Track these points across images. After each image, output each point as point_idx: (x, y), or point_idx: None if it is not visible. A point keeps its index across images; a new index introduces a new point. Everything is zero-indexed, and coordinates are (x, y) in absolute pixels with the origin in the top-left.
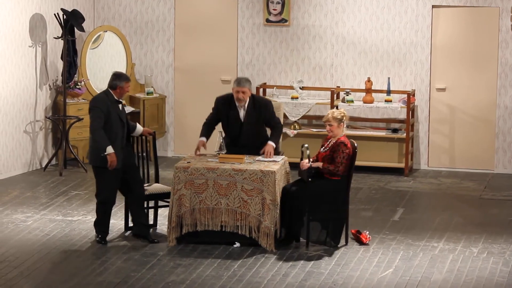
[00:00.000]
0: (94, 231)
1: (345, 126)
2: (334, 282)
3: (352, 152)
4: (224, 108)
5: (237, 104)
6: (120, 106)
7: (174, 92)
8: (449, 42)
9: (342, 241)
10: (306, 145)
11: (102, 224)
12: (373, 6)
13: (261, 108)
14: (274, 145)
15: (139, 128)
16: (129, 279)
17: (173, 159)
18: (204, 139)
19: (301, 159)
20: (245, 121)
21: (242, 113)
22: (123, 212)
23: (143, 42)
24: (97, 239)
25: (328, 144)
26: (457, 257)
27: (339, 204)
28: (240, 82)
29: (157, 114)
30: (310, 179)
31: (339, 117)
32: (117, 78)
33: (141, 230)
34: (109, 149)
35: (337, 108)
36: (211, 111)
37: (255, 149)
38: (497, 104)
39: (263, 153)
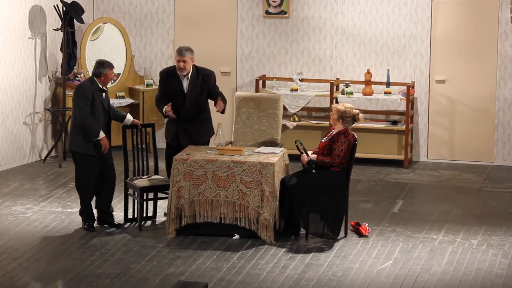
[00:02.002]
0: (81, 219)
1: (345, 125)
2: (333, 274)
3: (352, 143)
4: (168, 80)
5: (179, 74)
6: (103, 94)
7: None
8: (449, 34)
9: (342, 233)
10: (299, 140)
11: (86, 212)
12: None
13: (204, 77)
14: (224, 103)
15: (129, 118)
16: (129, 271)
17: None
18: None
19: (301, 154)
20: (188, 92)
21: (185, 84)
22: (123, 204)
23: (142, 34)
24: (85, 227)
25: (330, 134)
26: (456, 249)
27: (339, 196)
28: (181, 51)
29: None
30: (314, 171)
31: (341, 110)
32: (101, 66)
33: (105, 218)
34: (101, 134)
35: (336, 101)
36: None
37: (197, 124)
38: (496, 96)
39: (218, 108)
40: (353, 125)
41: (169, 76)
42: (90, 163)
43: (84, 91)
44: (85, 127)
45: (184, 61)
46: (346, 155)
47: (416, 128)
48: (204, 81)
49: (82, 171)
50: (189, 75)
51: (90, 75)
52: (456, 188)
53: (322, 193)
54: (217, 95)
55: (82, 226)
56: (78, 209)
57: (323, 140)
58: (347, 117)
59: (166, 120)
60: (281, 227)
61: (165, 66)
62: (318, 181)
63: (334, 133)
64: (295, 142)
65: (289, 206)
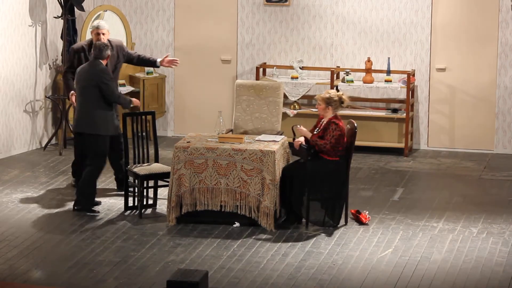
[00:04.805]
0: (81, 202)
1: (334, 110)
2: (333, 262)
3: (352, 131)
4: (84, 55)
5: None
6: None
7: (174, 71)
8: (449, 22)
9: (342, 221)
10: (296, 125)
11: (93, 193)
12: None
13: (118, 47)
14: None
15: None
16: (129, 259)
17: (172, 138)
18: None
19: (294, 139)
20: (106, 64)
21: None
22: (123, 191)
23: (143, 21)
24: (96, 212)
25: (321, 124)
26: (456, 237)
27: (339, 185)
28: (99, 24)
29: (157, 94)
30: (309, 158)
31: (326, 97)
32: (105, 48)
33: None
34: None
35: (336, 88)
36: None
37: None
38: (497, 84)
39: (169, 64)
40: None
41: (85, 51)
42: (107, 144)
43: (110, 74)
44: (122, 103)
45: (103, 34)
46: (342, 142)
47: (416, 116)
48: (118, 50)
49: (104, 153)
50: None
51: (93, 58)
52: (456, 176)
53: (321, 182)
54: (143, 56)
55: (91, 212)
56: (87, 193)
57: (315, 132)
58: (334, 101)
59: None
60: (282, 215)
61: (166, 53)
62: (318, 170)
63: (324, 122)
64: (292, 128)
65: (290, 194)
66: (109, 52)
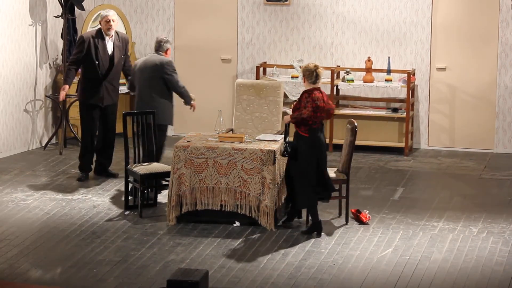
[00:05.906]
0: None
1: (310, 82)
2: (333, 261)
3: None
4: (93, 42)
5: (106, 38)
6: None
7: None
8: (450, 22)
9: (342, 221)
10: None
11: None
12: None
13: (124, 40)
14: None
15: None
16: (129, 258)
17: (173, 138)
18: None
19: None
20: (114, 54)
21: (110, 46)
22: (123, 191)
23: (143, 21)
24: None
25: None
26: (456, 236)
27: (321, 160)
28: (109, 12)
29: None
30: (285, 153)
31: (302, 67)
32: (166, 41)
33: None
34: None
35: (337, 88)
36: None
37: (116, 84)
38: (497, 84)
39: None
40: (353, 111)
41: (94, 38)
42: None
43: (174, 66)
44: (185, 95)
45: (113, 20)
46: (310, 107)
47: (416, 116)
48: (123, 44)
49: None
50: (113, 37)
51: (155, 52)
52: (456, 175)
53: (306, 166)
54: (127, 71)
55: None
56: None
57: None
58: (308, 73)
59: (78, 78)
60: (283, 215)
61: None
62: (299, 151)
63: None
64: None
65: (289, 193)
66: (168, 45)
